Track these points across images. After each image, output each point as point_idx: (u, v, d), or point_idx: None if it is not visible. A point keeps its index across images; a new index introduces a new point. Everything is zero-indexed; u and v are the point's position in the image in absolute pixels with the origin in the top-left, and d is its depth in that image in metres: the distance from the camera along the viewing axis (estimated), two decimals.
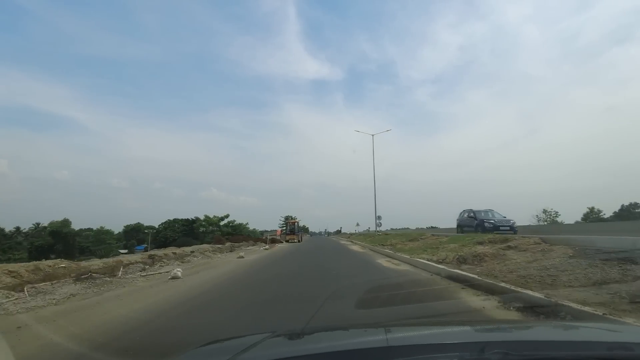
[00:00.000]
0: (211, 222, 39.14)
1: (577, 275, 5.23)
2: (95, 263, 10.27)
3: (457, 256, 8.54)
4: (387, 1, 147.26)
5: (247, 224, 55.09)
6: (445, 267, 7.22)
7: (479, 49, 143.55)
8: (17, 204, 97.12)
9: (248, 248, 22.26)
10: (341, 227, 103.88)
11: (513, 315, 3.82)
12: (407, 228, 59.21)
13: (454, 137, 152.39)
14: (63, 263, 9.25)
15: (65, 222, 70.17)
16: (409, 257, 9.94)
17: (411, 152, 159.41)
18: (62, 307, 4.97)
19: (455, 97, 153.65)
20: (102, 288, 6.52)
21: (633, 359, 1.04)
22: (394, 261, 10.34)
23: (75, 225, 62.86)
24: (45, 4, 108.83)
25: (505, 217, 17.28)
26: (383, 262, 10.50)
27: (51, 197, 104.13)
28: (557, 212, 64.71)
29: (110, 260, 11.30)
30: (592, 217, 67.23)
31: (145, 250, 34.55)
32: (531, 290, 4.39)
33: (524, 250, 8.37)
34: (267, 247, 21.02)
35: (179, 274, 7.85)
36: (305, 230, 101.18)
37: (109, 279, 7.49)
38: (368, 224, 60.44)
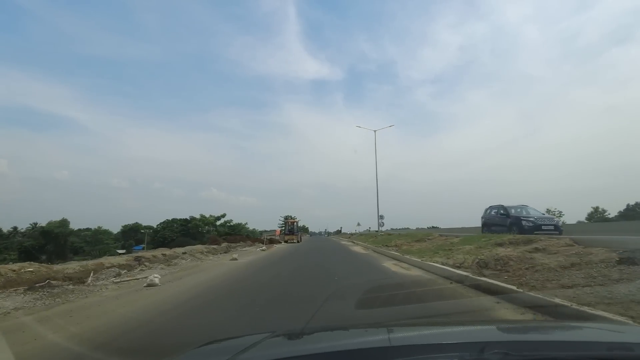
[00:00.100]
0: (207, 222, 37.91)
1: None
2: (71, 267, 9.20)
3: (477, 260, 7.45)
4: (387, 1, 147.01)
5: (246, 223, 54.13)
6: (467, 274, 6.14)
7: (479, 49, 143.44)
8: (17, 204, 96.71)
9: (244, 249, 21.18)
10: (341, 227, 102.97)
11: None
12: (407, 228, 58.44)
13: (454, 137, 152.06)
14: (32, 267, 8.17)
15: (64, 222, 69.42)
16: (419, 260, 8.85)
17: (411, 152, 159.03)
18: None
19: (455, 97, 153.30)
20: (57, 299, 5.43)
21: (633, 359, 1.03)
22: (402, 265, 9.25)
23: (75, 225, 62.36)
24: (45, 4, 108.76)
25: (545, 214, 14.93)
26: (390, 265, 9.41)
27: (51, 197, 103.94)
28: (560, 211, 63.66)
29: (89, 264, 10.20)
30: (596, 216, 66.27)
31: (144, 249, 33.54)
32: (602, 310, 3.30)
33: (554, 253, 7.27)
34: (264, 248, 19.95)
35: (156, 280, 6.77)
36: (305, 230, 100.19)
37: (72, 287, 6.40)
38: (368, 224, 59.59)
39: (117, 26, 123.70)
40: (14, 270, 7.65)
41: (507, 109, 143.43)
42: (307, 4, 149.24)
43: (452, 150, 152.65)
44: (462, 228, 25.78)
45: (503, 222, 14.18)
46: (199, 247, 20.84)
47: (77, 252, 41.41)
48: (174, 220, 69.49)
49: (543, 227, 12.71)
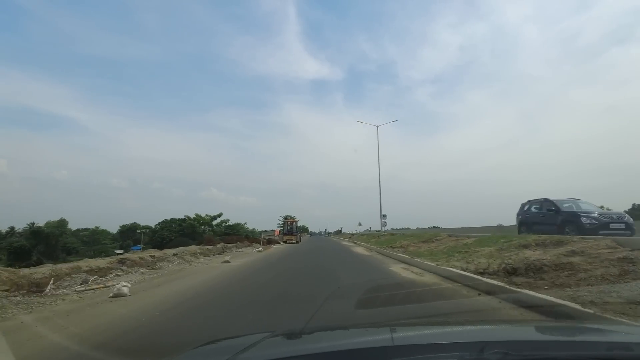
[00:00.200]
0: (203, 222, 36.65)
1: None
2: (41, 270, 8.12)
3: (503, 265, 6.38)
4: (387, 1, 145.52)
5: (245, 223, 53.07)
6: (500, 284, 5.04)
7: (479, 49, 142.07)
8: (17, 204, 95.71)
9: (240, 250, 20.11)
10: (341, 227, 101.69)
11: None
12: (408, 228, 57.46)
13: (454, 137, 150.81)
14: None
15: (62, 222, 68.71)
16: (433, 264, 7.77)
17: (411, 152, 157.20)
18: None
19: (456, 97, 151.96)
20: None
21: (633, 359, 1.02)
22: (413, 269, 8.17)
23: (75, 225, 61.92)
24: (45, 4, 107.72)
25: (609, 210, 12.23)
26: (399, 270, 8.33)
27: (51, 197, 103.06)
28: None
29: (64, 267, 9.12)
30: None
31: (143, 250, 32.44)
32: None
33: (595, 257, 6.19)
34: (260, 249, 18.88)
35: (125, 290, 5.69)
36: (304, 230, 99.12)
37: (20, 298, 5.32)
38: (369, 224, 58.50)
39: (117, 26, 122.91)
40: None
41: (507, 109, 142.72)
42: (307, 4, 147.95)
43: (452, 150, 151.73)
44: (464, 228, 25.15)
45: (550, 220, 11.62)
46: (193, 247, 19.75)
47: (70, 253, 40.32)
48: (172, 220, 68.47)
49: (611, 226, 10.15)
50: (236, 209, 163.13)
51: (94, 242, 71.93)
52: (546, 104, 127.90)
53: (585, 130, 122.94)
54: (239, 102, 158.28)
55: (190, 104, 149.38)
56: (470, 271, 6.45)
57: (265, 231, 57.87)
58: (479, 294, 4.94)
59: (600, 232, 9.67)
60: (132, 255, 13.49)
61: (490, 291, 4.85)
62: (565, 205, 11.79)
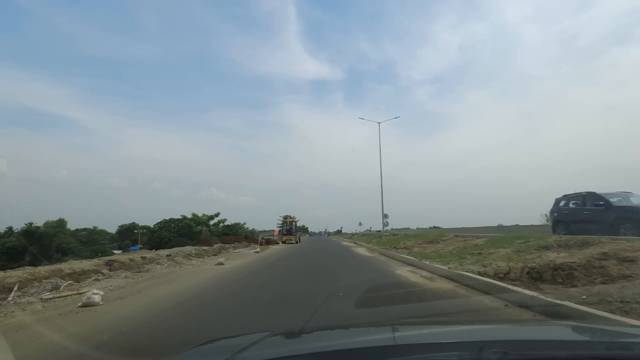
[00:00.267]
0: (199, 222, 35.76)
1: None
2: (17, 274, 7.40)
3: (527, 269, 5.65)
4: (387, 1, 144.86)
5: (244, 223, 52.23)
6: (534, 294, 4.30)
7: (479, 49, 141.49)
8: (17, 204, 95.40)
9: (237, 251, 19.37)
10: (341, 227, 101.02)
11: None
12: (408, 228, 56.96)
13: (454, 137, 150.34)
14: None
15: (61, 222, 68.13)
16: (444, 267, 7.03)
17: (411, 152, 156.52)
18: None
19: (455, 97, 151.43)
20: None
21: (632, 358, 1.02)
22: (421, 272, 7.43)
23: (75, 225, 61.72)
24: (45, 4, 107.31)
25: None
26: (406, 273, 7.60)
27: (51, 197, 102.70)
28: None
29: (43, 270, 8.38)
30: None
31: (140, 250, 31.75)
32: None
33: (631, 261, 5.45)
34: (258, 249, 18.14)
35: (96, 298, 4.96)
36: (304, 230, 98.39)
37: None
38: (369, 224, 57.90)
39: (117, 26, 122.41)
40: None
41: (507, 109, 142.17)
42: (307, 4, 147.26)
43: (452, 150, 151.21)
44: (465, 228, 24.81)
45: (599, 218, 9.97)
46: (188, 248, 19.03)
47: (66, 253, 39.56)
48: (170, 220, 67.75)
49: None
50: (236, 209, 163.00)
51: (92, 242, 71.31)
52: (546, 104, 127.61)
53: (585, 130, 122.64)
54: (239, 102, 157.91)
55: (190, 104, 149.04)
56: (489, 276, 5.72)
57: (264, 231, 57.18)
58: (507, 305, 4.20)
59: None
60: (122, 257, 12.78)
61: (520, 302, 4.11)
62: (615, 199, 10.17)
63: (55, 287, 6.17)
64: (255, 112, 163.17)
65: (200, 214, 36.82)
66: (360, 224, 46.99)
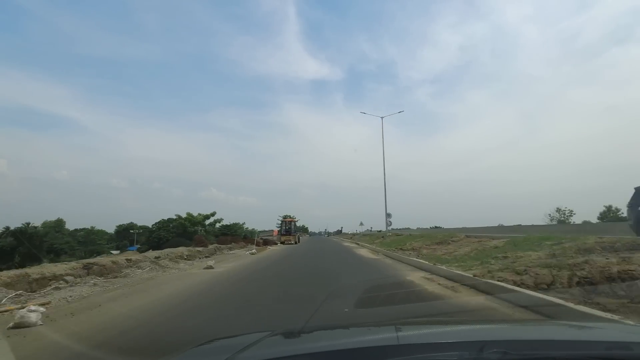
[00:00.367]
0: (194, 221, 34.55)
1: None
2: None
3: (576, 278, 4.56)
4: (387, 1, 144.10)
5: (243, 223, 51.20)
6: (604, 314, 3.21)
7: (479, 49, 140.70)
8: (17, 204, 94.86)
9: (232, 252, 18.28)
10: (342, 227, 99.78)
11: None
12: (408, 228, 56.13)
13: (454, 137, 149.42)
14: None
15: (59, 222, 67.44)
16: (466, 274, 5.94)
17: (411, 152, 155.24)
18: None
19: (456, 97, 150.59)
20: None
21: (632, 358, 1.02)
22: (439, 280, 6.34)
23: (75, 225, 61.37)
24: (45, 4, 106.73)
25: None
26: (419, 280, 6.51)
27: (50, 197, 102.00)
28: (572, 210, 60.87)
29: (6, 275, 7.30)
30: (609, 216, 63.45)
31: (139, 250, 30.79)
32: None
33: None
34: (254, 251, 17.06)
35: (33, 317, 3.87)
36: (304, 230, 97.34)
37: None
38: (370, 224, 56.88)
39: (117, 26, 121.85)
40: None
41: (507, 109, 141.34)
42: (307, 4, 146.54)
43: (452, 150, 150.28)
44: (465, 228, 24.42)
45: None
46: (181, 249, 17.90)
47: (59, 254, 38.46)
48: (169, 220, 66.76)
49: None
50: (236, 209, 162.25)
51: (89, 242, 70.46)
52: (546, 104, 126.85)
53: (585, 130, 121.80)
54: (239, 102, 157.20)
55: (190, 104, 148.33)
56: (528, 286, 4.64)
57: (264, 231, 56.17)
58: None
59: None
60: (102, 260, 11.69)
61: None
62: None
63: None
64: (255, 112, 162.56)
65: (195, 214, 35.54)
66: (361, 223, 45.84)
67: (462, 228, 24.83)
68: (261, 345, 1.20)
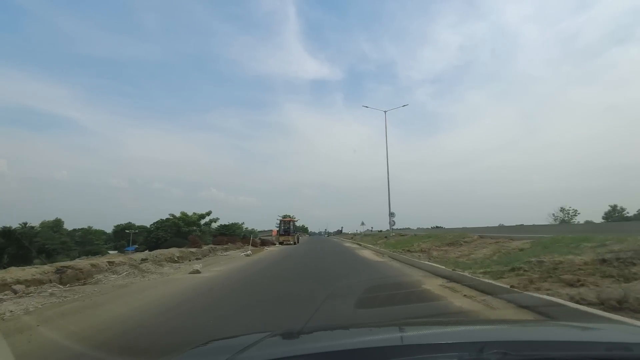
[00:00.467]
0: (188, 221, 33.35)
1: None
2: None
3: None
4: (387, 1, 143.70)
5: (242, 223, 49.94)
6: None
7: (479, 49, 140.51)
8: (17, 204, 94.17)
9: (226, 253, 17.18)
10: (342, 227, 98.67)
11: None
12: (409, 228, 55.18)
13: (454, 137, 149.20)
14: None
15: (57, 222, 66.57)
16: (501, 284, 4.83)
17: (411, 152, 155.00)
18: None
19: (456, 97, 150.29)
20: None
21: (632, 359, 1.02)
22: (462, 290, 5.24)
23: (74, 225, 60.88)
24: (45, 4, 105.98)
25: None
26: (442, 291, 5.41)
27: (50, 197, 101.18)
28: (576, 210, 59.72)
29: None
30: (614, 215, 62.40)
31: (137, 250, 29.77)
32: None
33: None
34: (249, 252, 15.95)
35: None
36: (304, 230, 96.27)
37: None
38: (371, 224, 55.88)
39: (117, 26, 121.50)
40: None
41: (507, 109, 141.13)
42: (307, 4, 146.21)
43: (452, 150, 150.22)
44: (466, 228, 23.99)
45: None
46: (173, 250, 16.77)
47: (50, 254, 37.35)
48: (166, 220, 65.63)
49: None
50: (236, 209, 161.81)
51: (86, 242, 69.70)
52: (546, 104, 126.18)
53: (585, 130, 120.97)
54: (239, 102, 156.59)
55: (190, 104, 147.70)
56: (591, 303, 3.54)
57: (263, 231, 55.00)
58: None
59: None
60: (80, 262, 10.57)
61: None
62: None
63: None
64: (255, 112, 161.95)
65: (190, 213, 34.31)
66: (362, 223, 44.69)
67: (463, 228, 24.69)
68: (260, 346, 1.20)
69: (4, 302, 5.10)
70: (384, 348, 1.10)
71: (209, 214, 35.12)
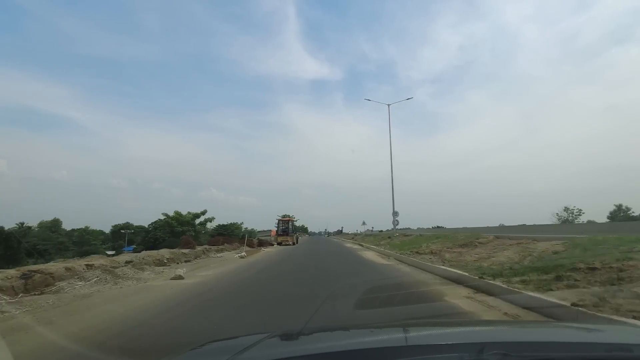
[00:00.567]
0: (182, 221, 32.14)
1: None
2: None
3: None
4: (387, 1, 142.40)
5: (241, 223, 48.86)
6: None
7: (479, 49, 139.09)
8: (17, 204, 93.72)
9: (219, 255, 16.08)
10: (342, 227, 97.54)
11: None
12: (409, 228, 54.42)
13: (454, 137, 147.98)
14: None
15: (56, 222, 66.09)
16: (558, 300, 3.73)
17: (411, 152, 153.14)
18: None
19: (456, 97, 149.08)
20: None
21: None
22: (500, 305, 4.14)
23: (74, 225, 60.64)
24: (45, 4, 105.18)
25: None
26: (470, 305, 4.31)
27: (50, 197, 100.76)
28: (580, 209, 58.64)
29: None
30: (619, 215, 61.39)
31: (135, 251, 28.78)
32: None
33: None
34: (243, 254, 14.83)
35: None
36: (304, 230, 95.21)
37: None
38: (371, 224, 54.92)
39: (117, 26, 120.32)
40: None
41: (507, 109, 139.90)
42: (307, 4, 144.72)
43: (452, 150, 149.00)
44: (466, 228, 23.68)
45: None
46: (163, 251, 15.66)
47: (42, 255, 36.29)
48: (161, 220, 64.68)
49: None
50: (236, 209, 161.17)
51: (84, 242, 69.11)
52: (546, 104, 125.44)
53: (585, 130, 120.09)
54: (239, 102, 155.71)
55: (190, 104, 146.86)
56: None
57: (263, 231, 53.93)
58: None
59: None
60: (53, 266, 9.47)
61: None
62: None
63: None
64: (255, 112, 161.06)
65: (185, 212, 33.13)
66: (363, 223, 43.58)
67: (463, 228, 24.20)
68: (260, 347, 1.19)
69: None
70: (384, 349, 1.11)
71: (203, 213, 33.95)
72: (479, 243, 10.62)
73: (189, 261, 13.51)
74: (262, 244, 24.95)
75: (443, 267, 7.39)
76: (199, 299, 5.63)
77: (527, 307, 3.87)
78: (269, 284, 7.30)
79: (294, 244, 26.67)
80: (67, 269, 9.11)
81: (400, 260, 10.72)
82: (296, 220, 34.64)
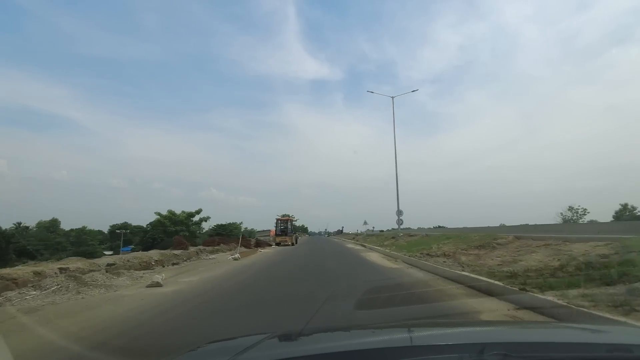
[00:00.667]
0: (175, 220, 30.97)
1: None
2: None
3: None
4: (387, 1, 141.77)
5: (241, 223, 47.82)
6: None
7: (479, 49, 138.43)
8: (17, 204, 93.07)
9: (212, 256, 14.98)
10: (343, 227, 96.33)
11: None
12: (409, 228, 53.46)
13: (453, 137, 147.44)
14: None
15: (54, 222, 65.56)
16: None
17: (411, 152, 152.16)
18: None
19: (455, 97, 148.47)
20: None
21: None
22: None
23: (73, 225, 60.53)
24: (45, 4, 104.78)
25: None
26: None
27: (50, 197, 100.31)
28: (585, 209, 57.42)
29: None
30: (625, 214, 60.26)
31: (133, 251, 27.80)
32: None
33: None
34: (236, 256, 13.73)
35: None
36: (304, 230, 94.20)
37: None
38: (372, 224, 53.86)
39: (117, 26, 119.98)
40: None
41: (507, 109, 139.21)
42: (307, 4, 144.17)
43: (452, 151, 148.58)
44: (466, 228, 23.28)
45: None
46: (152, 253, 14.58)
47: (33, 256, 35.23)
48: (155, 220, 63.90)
49: None
50: (236, 209, 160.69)
51: (81, 242, 68.42)
52: (546, 104, 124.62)
53: (585, 130, 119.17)
54: (239, 102, 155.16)
55: (190, 104, 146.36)
56: None
57: (262, 231, 52.92)
58: None
59: None
60: (20, 270, 8.41)
61: None
62: None
63: None
64: (255, 112, 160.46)
65: (179, 211, 31.97)
66: (365, 222, 42.47)
67: (463, 228, 23.77)
68: (260, 348, 1.18)
69: None
70: (384, 349, 1.10)
71: (198, 212, 32.80)
72: (498, 244, 9.52)
73: (177, 264, 12.42)
74: (259, 244, 23.85)
75: (461, 272, 6.29)
76: (171, 314, 4.55)
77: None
78: (258, 298, 6.22)
79: (292, 244, 25.56)
80: (36, 273, 8.07)
81: (409, 264, 9.61)
82: (296, 220, 33.62)
